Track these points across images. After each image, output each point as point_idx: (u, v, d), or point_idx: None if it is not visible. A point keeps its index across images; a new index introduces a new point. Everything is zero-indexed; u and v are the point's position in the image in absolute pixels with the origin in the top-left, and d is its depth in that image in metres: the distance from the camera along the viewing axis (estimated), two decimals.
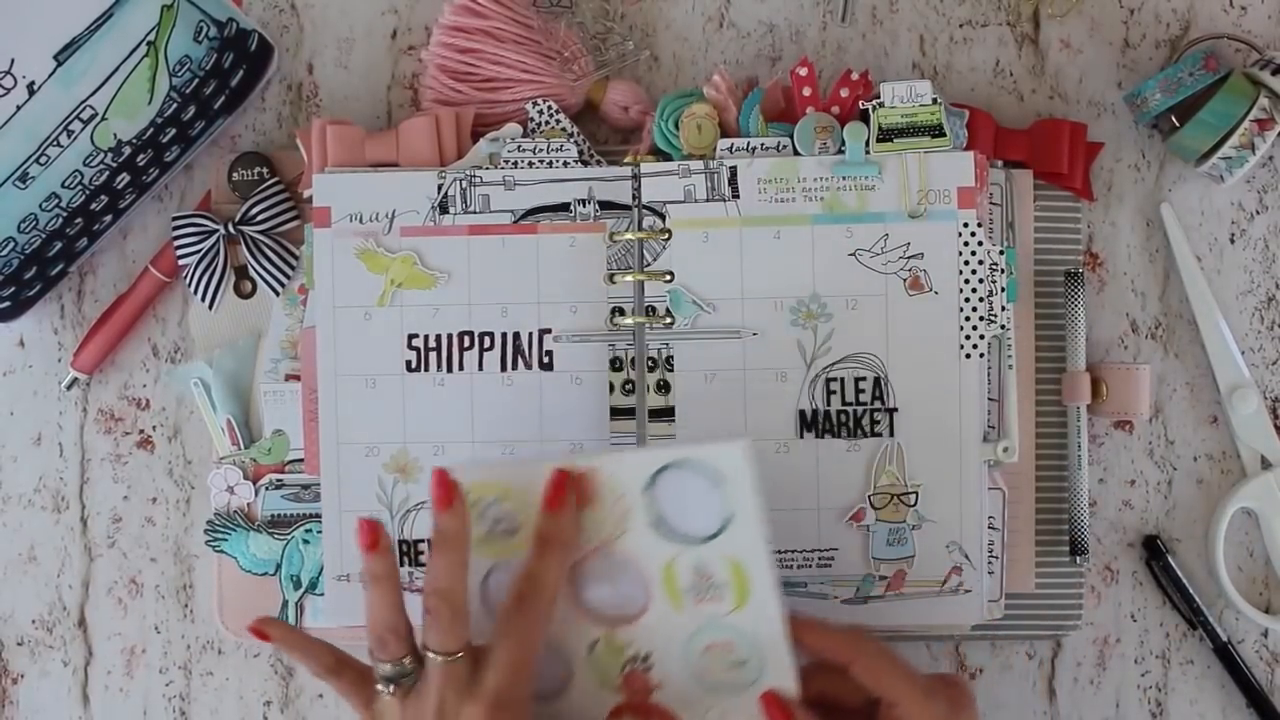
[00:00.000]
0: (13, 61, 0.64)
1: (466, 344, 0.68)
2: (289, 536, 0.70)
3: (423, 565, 0.68)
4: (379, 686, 0.57)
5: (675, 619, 0.59)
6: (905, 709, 0.57)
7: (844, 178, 0.67)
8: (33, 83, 0.64)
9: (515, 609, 0.57)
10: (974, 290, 0.66)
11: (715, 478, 0.57)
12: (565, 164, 0.68)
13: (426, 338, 0.68)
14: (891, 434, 0.67)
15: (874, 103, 0.67)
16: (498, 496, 0.58)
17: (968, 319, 0.66)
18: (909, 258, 0.67)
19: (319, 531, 0.69)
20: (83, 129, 0.66)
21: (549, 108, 0.69)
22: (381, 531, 0.59)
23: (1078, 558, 0.69)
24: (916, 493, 0.67)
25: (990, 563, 0.67)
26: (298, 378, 0.70)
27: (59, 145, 0.65)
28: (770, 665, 0.58)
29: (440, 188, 0.68)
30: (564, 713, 0.60)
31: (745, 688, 0.58)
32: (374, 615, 0.58)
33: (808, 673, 0.59)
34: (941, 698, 0.58)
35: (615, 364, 0.68)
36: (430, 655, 0.56)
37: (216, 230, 0.70)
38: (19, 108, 0.65)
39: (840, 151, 0.67)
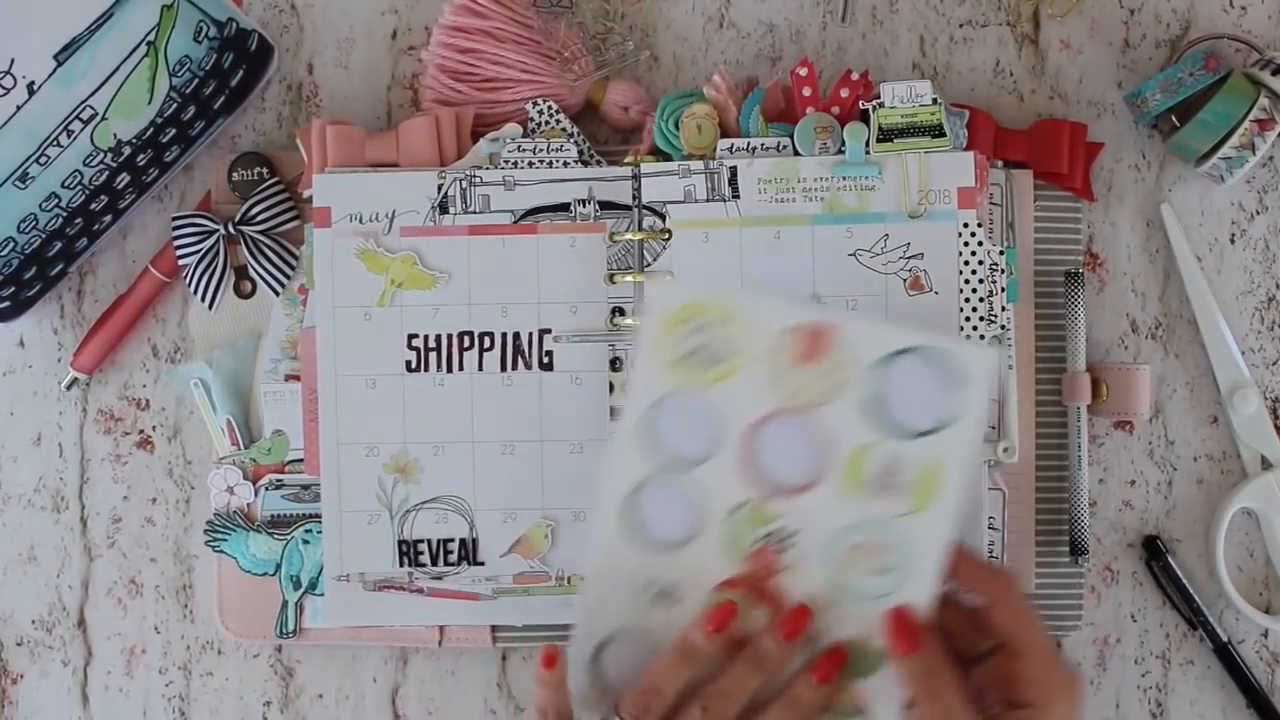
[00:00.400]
0: (13, 61, 0.64)
1: (466, 344, 0.68)
2: (289, 537, 0.70)
3: (422, 565, 0.68)
4: None
5: (839, 506, 0.56)
6: (1029, 664, 0.55)
7: (844, 178, 0.67)
8: (33, 83, 0.64)
9: None
10: (974, 290, 0.66)
11: (953, 377, 0.54)
12: (565, 164, 0.68)
13: (426, 338, 0.68)
14: None
15: (874, 103, 0.67)
16: (715, 321, 0.55)
17: (968, 319, 0.66)
18: (909, 258, 0.67)
19: (319, 532, 0.69)
20: (83, 129, 0.66)
21: (549, 108, 0.69)
22: (732, 621, 0.57)
23: (1078, 558, 0.69)
24: None
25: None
26: (298, 378, 0.70)
27: (59, 145, 0.65)
28: (912, 582, 0.55)
29: (440, 188, 0.68)
30: (671, 567, 0.57)
31: (876, 598, 0.56)
32: (659, 677, 0.57)
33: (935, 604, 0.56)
34: (1062, 666, 0.57)
35: (615, 364, 0.68)
36: None
37: (216, 230, 0.70)
38: (19, 108, 0.65)
39: (840, 152, 0.67)
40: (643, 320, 0.57)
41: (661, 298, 0.57)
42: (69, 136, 0.65)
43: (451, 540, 0.68)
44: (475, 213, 0.68)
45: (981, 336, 0.66)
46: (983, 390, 0.55)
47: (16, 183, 0.66)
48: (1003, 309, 0.67)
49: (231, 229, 0.70)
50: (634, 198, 0.68)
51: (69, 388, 0.72)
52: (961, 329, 0.66)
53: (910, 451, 0.55)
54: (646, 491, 0.57)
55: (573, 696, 0.58)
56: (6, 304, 0.69)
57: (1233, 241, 0.71)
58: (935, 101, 0.66)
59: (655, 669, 0.57)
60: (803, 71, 0.67)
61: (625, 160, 0.68)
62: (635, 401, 0.57)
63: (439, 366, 0.68)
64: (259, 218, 0.69)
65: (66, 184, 0.66)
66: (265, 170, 0.70)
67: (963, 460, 0.55)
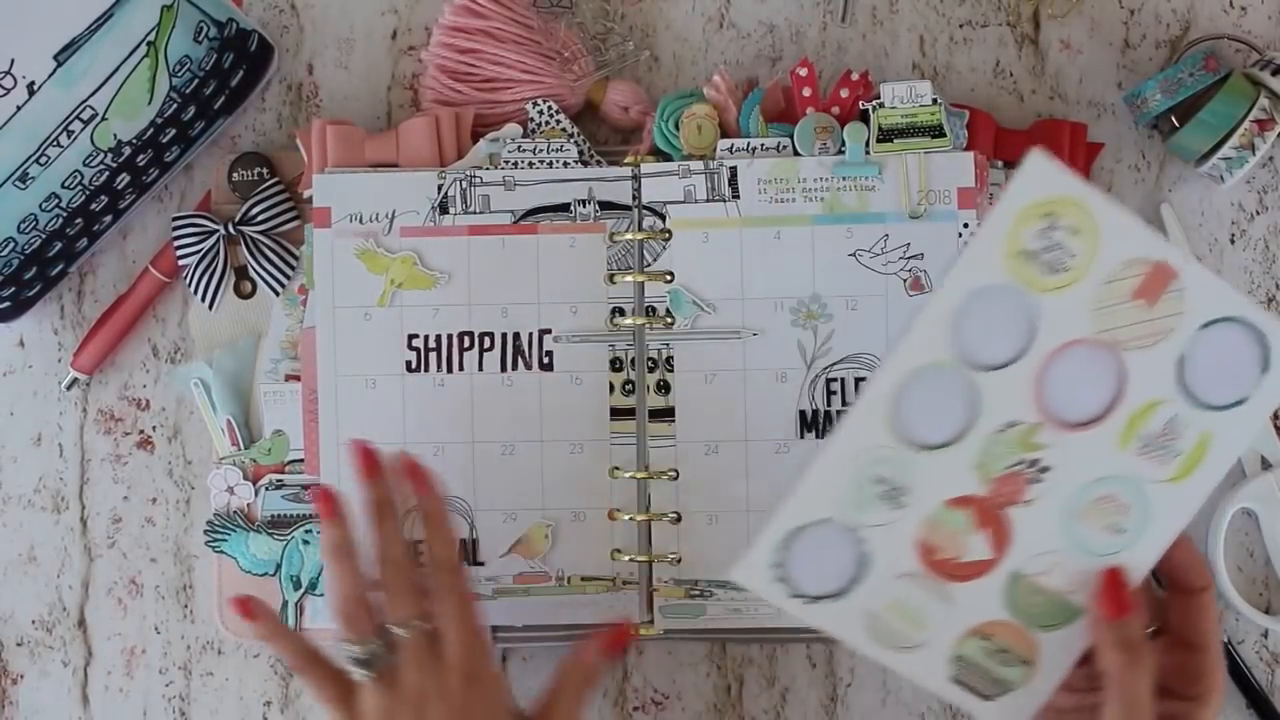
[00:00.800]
0: (13, 61, 0.64)
1: (466, 344, 0.68)
2: (289, 537, 0.69)
3: (423, 565, 0.68)
4: (354, 671, 0.58)
5: (1107, 453, 0.54)
6: (1206, 660, 0.56)
7: (844, 178, 0.67)
8: (33, 83, 0.64)
9: (442, 595, 0.59)
10: None
11: (1267, 358, 0.53)
12: (565, 164, 0.68)
13: (426, 338, 0.68)
14: None
15: (874, 103, 0.67)
16: (1069, 226, 0.51)
17: None
18: (909, 258, 0.67)
19: (319, 532, 0.69)
20: (83, 129, 0.66)
21: (549, 108, 0.69)
22: (339, 499, 0.61)
23: None
24: None
25: None
26: (298, 378, 0.70)
27: (59, 145, 0.65)
28: (1139, 549, 0.55)
29: (440, 188, 0.68)
30: (914, 467, 0.53)
31: (1100, 555, 0.55)
32: (337, 591, 0.59)
33: None
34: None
35: (615, 364, 0.68)
36: (396, 630, 0.58)
37: (216, 230, 0.70)
38: (19, 108, 0.65)
39: (840, 152, 0.67)
40: (1006, 195, 0.51)
41: (1035, 178, 0.51)
42: (69, 137, 0.65)
43: None
44: (475, 213, 0.68)
45: None
46: None
47: (16, 183, 0.66)
48: None
49: (231, 229, 0.70)
50: (634, 198, 0.68)
51: (69, 388, 0.72)
52: None
53: (1197, 421, 0.54)
54: (930, 377, 0.52)
55: (744, 571, 0.53)
56: (6, 304, 0.69)
57: (1233, 242, 0.71)
58: (935, 102, 0.66)
59: (331, 585, 0.59)
60: (803, 72, 0.67)
61: (625, 160, 0.68)
62: (964, 277, 0.51)
63: (439, 367, 0.68)
64: (259, 218, 0.69)
65: (66, 184, 0.66)
66: (265, 170, 0.70)
67: (1237, 443, 0.54)
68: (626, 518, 0.68)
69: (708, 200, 0.67)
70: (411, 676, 0.57)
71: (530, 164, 0.68)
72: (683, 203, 0.67)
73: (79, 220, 0.68)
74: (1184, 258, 0.53)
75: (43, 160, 0.66)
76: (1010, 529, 0.54)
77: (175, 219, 0.70)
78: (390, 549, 0.60)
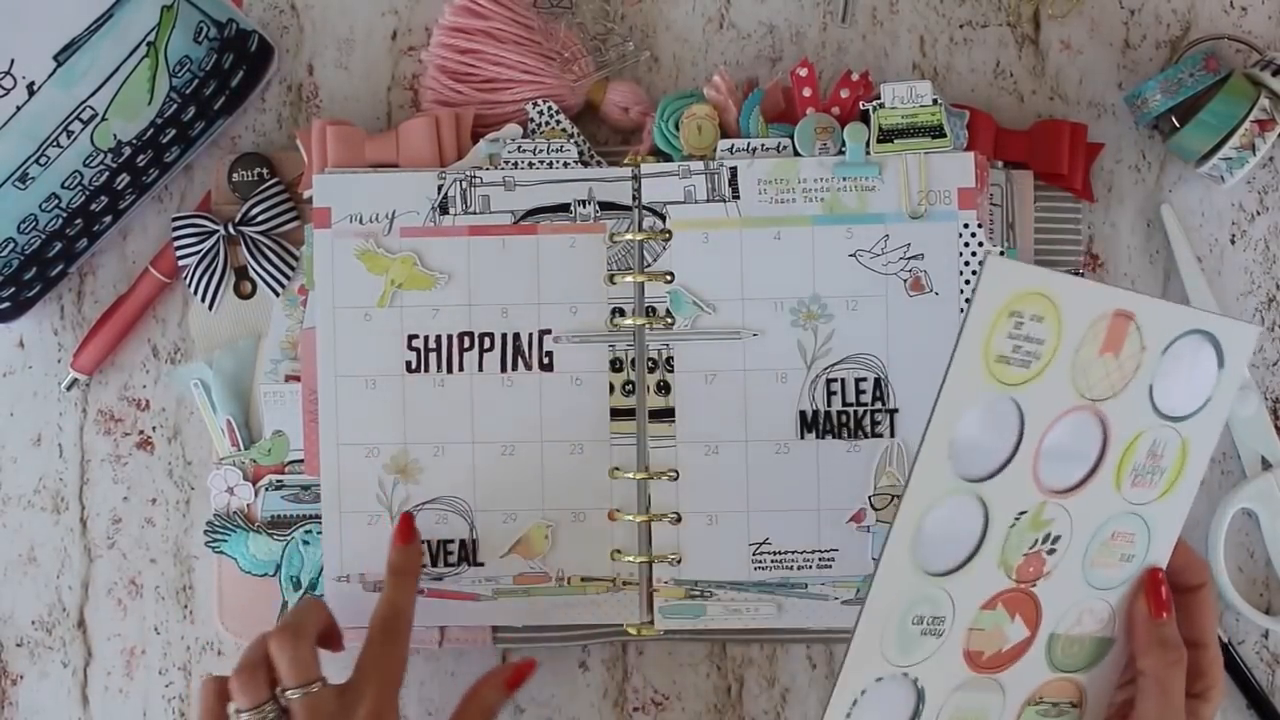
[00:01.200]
0: (13, 62, 0.64)
1: (466, 345, 0.68)
2: (289, 537, 0.69)
3: (422, 566, 0.68)
4: None
5: (1105, 499, 0.54)
6: (1209, 657, 0.57)
7: (844, 178, 0.67)
8: (33, 83, 0.64)
9: (380, 639, 0.60)
10: None
11: (1220, 356, 0.53)
12: (565, 165, 0.68)
13: (426, 338, 0.68)
14: (892, 435, 0.67)
15: (874, 103, 0.67)
16: (1039, 314, 0.50)
17: None
18: (909, 258, 0.67)
19: (319, 532, 0.69)
20: (82, 129, 0.66)
21: (549, 108, 0.69)
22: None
23: None
24: None
25: None
26: (298, 378, 0.70)
27: (59, 146, 0.65)
28: (1148, 564, 0.56)
29: (440, 188, 0.68)
30: (942, 594, 0.53)
31: (1114, 587, 0.56)
32: (241, 654, 0.59)
33: None
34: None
35: (615, 365, 0.68)
36: (289, 694, 0.58)
37: (216, 231, 0.70)
38: (19, 108, 0.64)
39: (840, 152, 0.67)
40: (974, 310, 0.49)
41: (996, 283, 0.49)
42: (69, 137, 0.65)
43: (452, 541, 0.68)
44: (475, 213, 0.68)
45: None
46: (1238, 368, 0.54)
47: (16, 183, 0.66)
48: None
49: (231, 229, 0.70)
50: (634, 198, 0.68)
51: (69, 388, 0.72)
52: None
53: (1174, 436, 0.54)
54: (940, 508, 0.51)
55: None
56: (6, 304, 0.69)
57: (1233, 242, 0.71)
58: (935, 102, 0.66)
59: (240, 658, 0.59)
60: (803, 72, 0.67)
61: (625, 161, 0.68)
62: (952, 404, 0.50)
63: (439, 367, 0.68)
64: (259, 218, 0.69)
65: (66, 184, 0.66)
66: (265, 171, 0.70)
67: (1210, 440, 0.55)
68: (627, 518, 0.68)
69: (708, 200, 0.67)
70: None
71: (530, 164, 0.68)
72: (683, 203, 0.67)
73: (79, 220, 0.68)
74: (1131, 296, 0.52)
75: (43, 160, 0.66)
76: (1039, 604, 0.55)
77: (175, 219, 0.70)
78: (288, 617, 0.61)
